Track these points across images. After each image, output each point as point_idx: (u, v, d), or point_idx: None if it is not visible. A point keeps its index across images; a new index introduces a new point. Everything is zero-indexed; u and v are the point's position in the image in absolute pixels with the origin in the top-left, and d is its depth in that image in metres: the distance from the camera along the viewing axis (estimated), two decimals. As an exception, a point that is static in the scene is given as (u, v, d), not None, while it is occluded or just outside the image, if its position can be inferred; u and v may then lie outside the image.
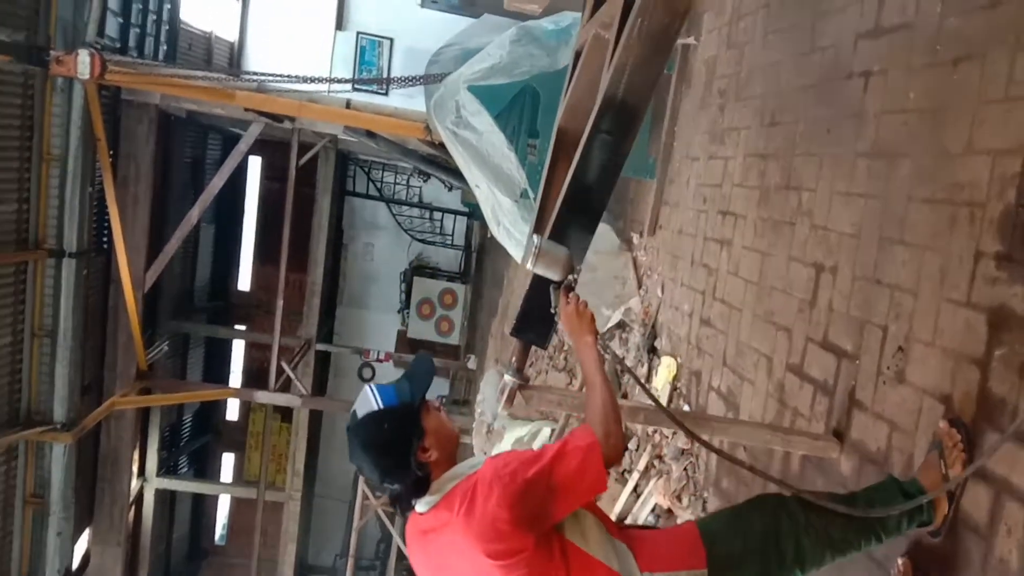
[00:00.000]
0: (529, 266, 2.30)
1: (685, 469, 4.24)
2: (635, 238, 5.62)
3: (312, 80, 6.26)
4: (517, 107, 5.23)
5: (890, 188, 2.75)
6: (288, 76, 6.39)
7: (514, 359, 2.72)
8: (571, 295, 2.31)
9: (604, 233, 5.81)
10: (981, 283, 2.28)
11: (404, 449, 1.99)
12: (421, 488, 2.01)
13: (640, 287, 5.38)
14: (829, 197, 3.14)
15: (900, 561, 2.42)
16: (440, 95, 4.90)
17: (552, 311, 2.37)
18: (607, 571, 1.96)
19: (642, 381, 2.31)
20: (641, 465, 4.56)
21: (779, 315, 3.44)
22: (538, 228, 2.55)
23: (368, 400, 2.03)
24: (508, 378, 2.60)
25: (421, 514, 2.04)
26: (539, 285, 2.74)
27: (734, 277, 3.95)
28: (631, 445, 4.77)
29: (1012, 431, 2.06)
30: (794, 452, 3.12)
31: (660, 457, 4.50)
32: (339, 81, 6.90)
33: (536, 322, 2.78)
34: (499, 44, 4.81)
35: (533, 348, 2.73)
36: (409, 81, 6.19)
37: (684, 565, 2.03)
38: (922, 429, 2.46)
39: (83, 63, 6.26)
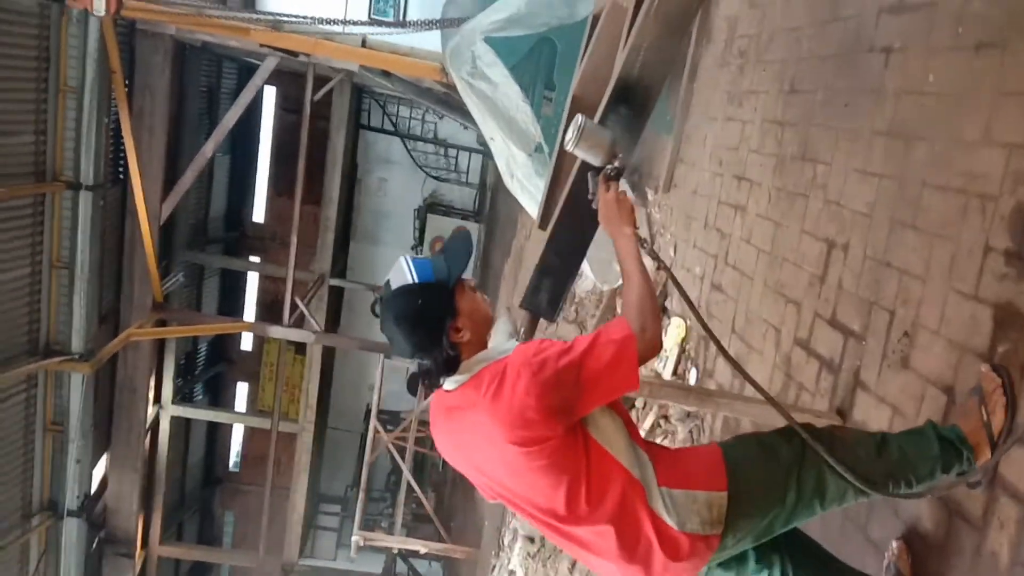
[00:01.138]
0: (570, 147, 2.19)
1: (691, 431, 4.31)
2: (649, 194, 5.59)
3: (328, 22, 6.17)
4: (534, 58, 5.16)
5: (905, 170, 2.73)
6: (305, 18, 6.30)
7: (523, 331, 2.75)
8: (611, 184, 2.19)
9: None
10: (989, 277, 2.28)
11: (437, 326, 1.97)
12: (451, 366, 2.00)
13: (653, 244, 5.37)
14: (844, 173, 3.11)
15: (895, 544, 2.47)
16: (456, 44, 4.83)
17: (589, 197, 2.26)
18: (627, 475, 1.95)
19: (679, 282, 2.24)
20: (647, 424, 4.63)
21: (789, 288, 3.45)
22: (543, 219, 2.57)
23: (403, 272, 2.00)
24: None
25: (448, 391, 2.05)
26: (554, 257, 2.76)
27: (747, 244, 3.95)
28: (638, 403, 4.83)
29: (1019, 434, 2.07)
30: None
31: (666, 417, 4.56)
32: (356, 23, 6.79)
33: (547, 292, 2.81)
34: (518, -7, 4.71)
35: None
36: (426, 25, 6.09)
37: (704, 485, 1.98)
38: (923, 416, 2.48)
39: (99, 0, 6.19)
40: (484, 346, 2.03)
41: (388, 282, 2.02)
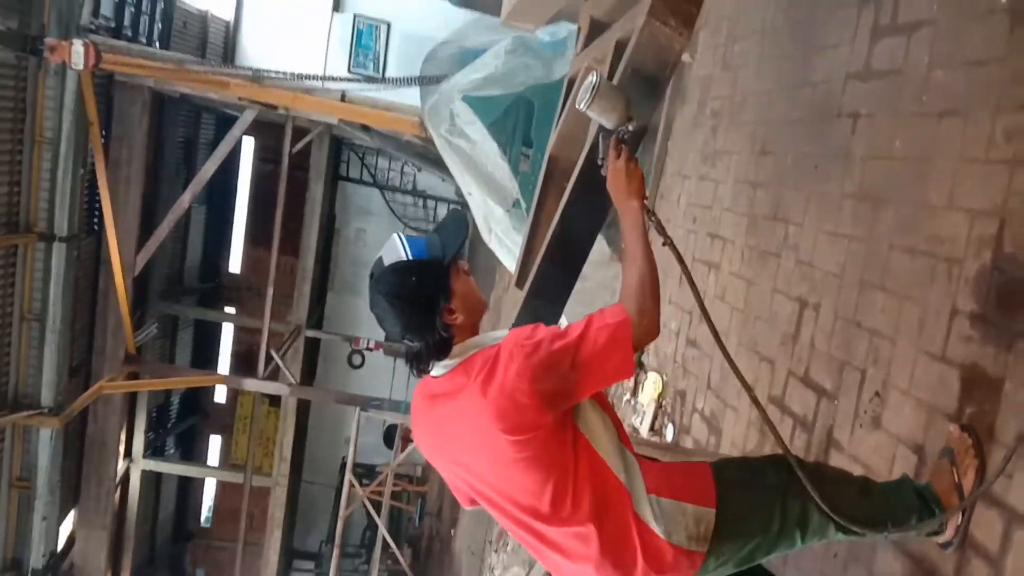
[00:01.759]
0: (582, 107, 2.04)
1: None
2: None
3: (308, 78, 6.25)
4: (512, 116, 5.24)
5: (873, 233, 2.79)
6: (284, 74, 6.38)
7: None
8: (623, 149, 2.06)
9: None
10: (956, 340, 2.32)
11: (430, 307, 1.89)
12: (443, 350, 1.92)
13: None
14: (815, 234, 3.17)
15: None
16: (435, 102, 4.91)
17: (599, 161, 2.14)
18: (614, 478, 1.90)
19: (686, 264, 2.13)
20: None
21: (763, 345, 3.48)
22: (520, 277, 2.59)
23: (396, 249, 1.92)
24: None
25: (435, 377, 1.97)
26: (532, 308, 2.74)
27: (720, 301, 3.99)
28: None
29: (980, 492, 2.11)
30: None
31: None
32: (335, 79, 6.88)
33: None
34: (495, 54, 4.81)
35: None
36: (405, 82, 6.18)
37: (694, 499, 1.93)
38: (895, 476, 2.50)
39: (77, 53, 6.24)
40: (476, 332, 1.96)
41: (380, 258, 1.94)
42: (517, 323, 2.83)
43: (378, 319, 1.96)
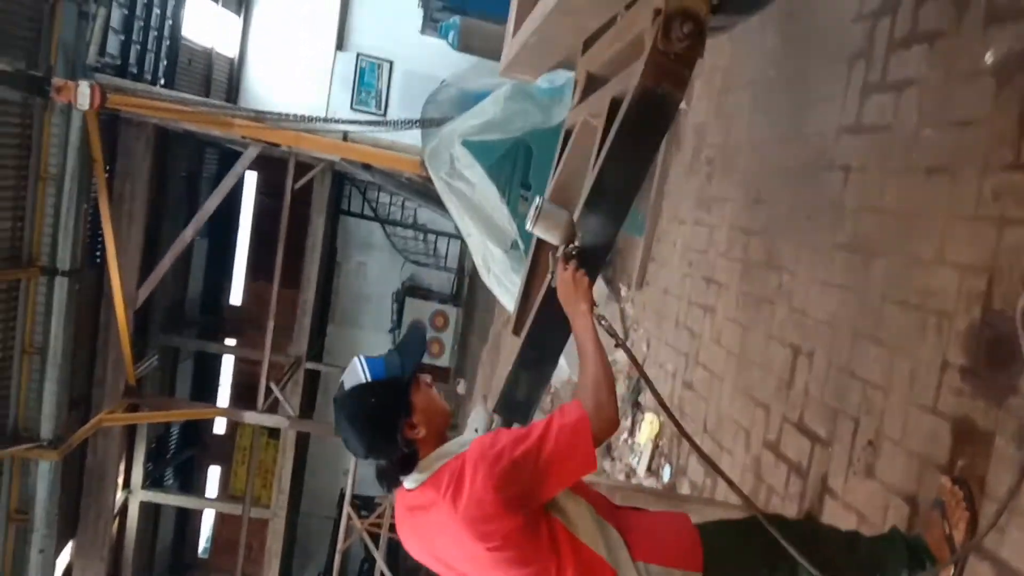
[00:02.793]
0: (529, 227, 2.22)
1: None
2: (623, 289, 5.70)
3: (310, 119, 6.34)
4: (510, 159, 5.32)
5: (866, 284, 2.83)
6: (287, 115, 6.48)
7: (495, 427, 2.76)
8: (569, 264, 2.18)
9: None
10: (947, 392, 2.35)
11: (391, 424, 1.95)
12: (408, 465, 1.99)
13: (626, 339, 5.45)
14: (808, 283, 3.22)
15: None
16: (435, 147, 4.98)
17: (549, 275, 2.29)
18: (597, 559, 1.93)
19: (638, 360, 2.26)
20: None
21: (758, 391, 3.52)
22: (517, 324, 2.63)
23: (356, 372, 2.00)
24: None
25: (409, 491, 2.02)
26: (523, 370, 2.79)
27: (716, 345, 4.03)
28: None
29: (973, 545, 2.14)
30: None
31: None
32: (337, 121, 6.98)
33: (519, 404, 2.84)
34: (494, 100, 4.89)
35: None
36: (406, 124, 6.28)
37: (682, 564, 1.98)
38: (888, 525, 2.52)
39: (83, 94, 6.34)
40: (443, 441, 2.02)
41: (342, 383, 2.01)
42: (514, 371, 2.86)
43: (344, 441, 2.04)
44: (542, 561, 1.91)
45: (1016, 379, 2.09)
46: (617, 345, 2.16)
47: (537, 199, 2.22)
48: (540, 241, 3.13)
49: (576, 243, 2.20)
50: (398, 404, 1.97)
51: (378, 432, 1.97)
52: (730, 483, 1.98)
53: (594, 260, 2.22)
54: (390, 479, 2.03)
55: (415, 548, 2.14)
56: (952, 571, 2.20)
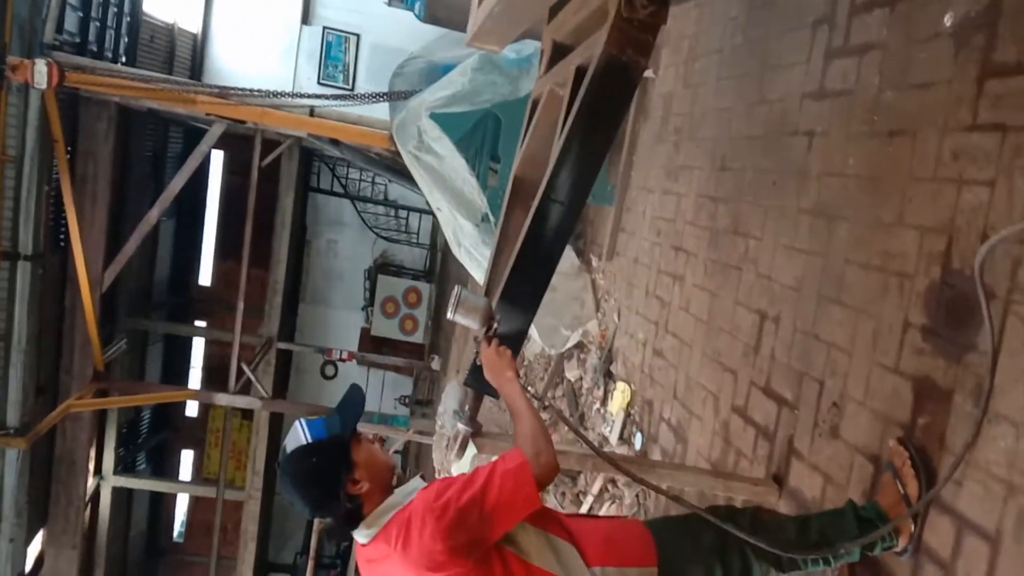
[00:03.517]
0: (450, 315, 2.37)
1: (637, 496, 4.35)
2: (594, 260, 5.72)
3: (276, 95, 6.25)
4: (479, 131, 5.29)
5: (829, 248, 2.87)
6: (252, 90, 6.38)
7: (467, 407, 2.79)
8: (491, 340, 2.35)
9: (565, 253, 5.89)
10: (908, 352, 2.40)
11: (333, 482, 2.03)
12: (353, 520, 2.07)
13: (598, 310, 5.47)
14: (773, 248, 3.25)
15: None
16: (402, 119, 4.94)
17: (475, 352, 2.45)
18: None
19: (571, 422, 2.40)
20: (595, 489, 4.67)
21: (726, 356, 3.56)
22: (489, 289, 2.65)
23: (297, 435, 2.08)
24: (461, 427, 2.68)
25: (364, 545, 2.09)
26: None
27: (685, 313, 4.06)
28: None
29: (928, 499, 2.19)
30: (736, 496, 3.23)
31: (614, 482, 4.61)
32: (303, 96, 6.89)
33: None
34: (461, 71, 4.85)
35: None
36: (373, 98, 6.21)
37: (636, 561, 2.09)
38: (853, 485, 2.58)
39: (40, 72, 6.20)
40: (388, 493, 2.10)
41: (284, 447, 2.09)
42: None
43: (290, 504, 2.12)
44: None
45: (974, 337, 2.13)
46: (545, 408, 2.34)
47: (456, 288, 2.40)
48: (509, 212, 3.14)
49: (495, 324, 2.37)
50: (339, 462, 2.05)
51: (321, 490, 2.04)
52: (664, 491, 2.02)
53: (515, 338, 2.39)
54: (338, 535, 2.12)
55: None
56: (912, 526, 2.26)
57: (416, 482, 2.16)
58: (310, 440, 2.06)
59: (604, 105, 2.24)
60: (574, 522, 2.20)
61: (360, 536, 2.09)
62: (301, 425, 2.10)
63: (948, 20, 2.40)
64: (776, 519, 2.40)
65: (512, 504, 1.97)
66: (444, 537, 1.90)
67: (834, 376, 2.75)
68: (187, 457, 16.75)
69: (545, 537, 2.08)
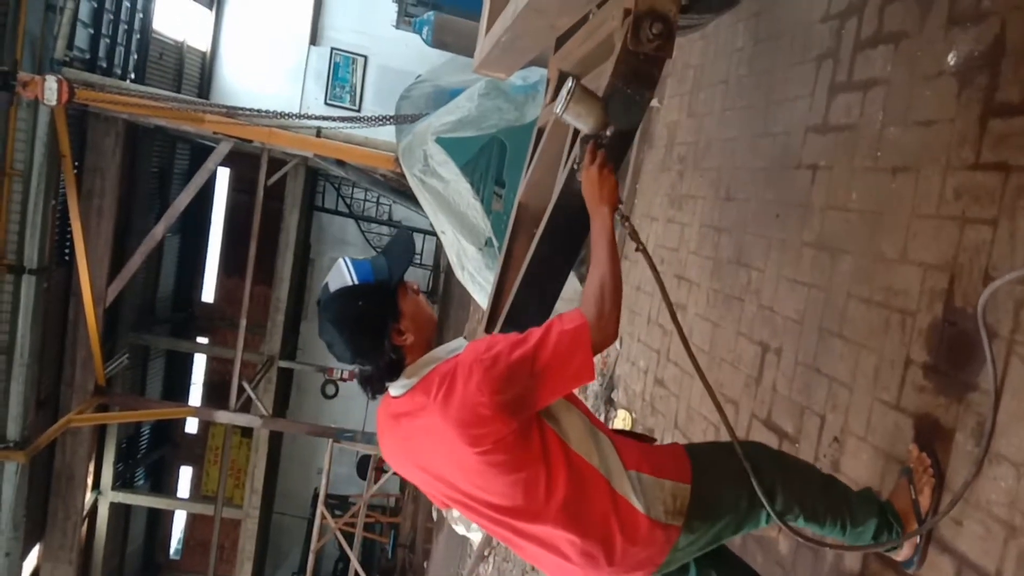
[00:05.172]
0: (558, 111, 2.03)
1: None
2: (596, 286, 5.72)
3: (283, 116, 6.30)
4: (484, 156, 5.32)
5: (832, 282, 2.87)
6: (259, 111, 6.43)
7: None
8: (599, 154, 2.03)
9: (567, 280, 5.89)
10: (910, 389, 2.39)
11: (378, 329, 1.90)
12: (394, 371, 1.94)
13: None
14: (776, 280, 3.25)
15: None
16: (408, 143, 4.97)
17: (575, 167, 2.13)
18: (588, 467, 1.91)
19: (658, 271, 2.11)
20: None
21: (727, 387, 3.55)
22: (490, 322, 2.63)
23: (342, 274, 1.94)
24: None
25: (395, 397, 1.97)
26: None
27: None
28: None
29: (936, 521, 2.17)
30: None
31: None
32: (310, 117, 6.94)
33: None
34: (468, 96, 4.89)
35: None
36: (380, 121, 6.26)
37: (671, 475, 1.98)
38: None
39: (50, 89, 6.25)
40: (429, 348, 1.97)
41: (327, 284, 1.95)
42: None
43: (328, 345, 1.97)
44: (532, 468, 1.87)
45: (976, 375, 2.13)
46: (638, 249, 2.04)
47: (569, 80, 1.98)
48: (513, 238, 3.14)
49: (608, 132, 2.02)
50: (385, 309, 1.92)
51: (365, 336, 1.91)
52: (717, 403, 2.01)
53: (621, 154, 2.05)
54: (375, 385, 1.98)
55: (397, 458, 2.10)
56: (918, 541, 2.25)
57: (460, 341, 2.00)
58: (356, 282, 1.91)
59: (626, 94, 2.20)
60: (612, 433, 2.06)
61: (395, 388, 1.96)
62: (346, 263, 1.95)
63: (952, 59, 2.41)
64: (807, 467, 2.33)
65: (565, 366, 1.80)
66: (492, 390, 1.76)
67: (835, 411, 2.74)
68: (186, 474, 16.71)
69: (588, 426, 1.96)
